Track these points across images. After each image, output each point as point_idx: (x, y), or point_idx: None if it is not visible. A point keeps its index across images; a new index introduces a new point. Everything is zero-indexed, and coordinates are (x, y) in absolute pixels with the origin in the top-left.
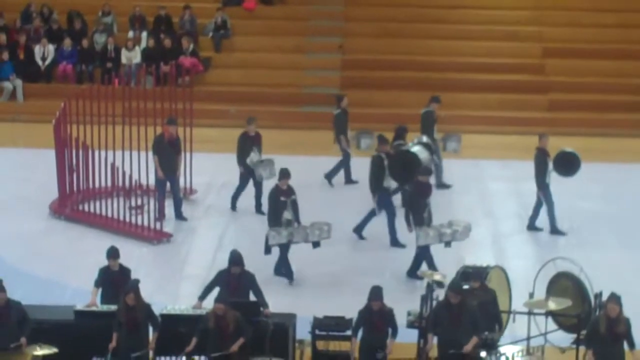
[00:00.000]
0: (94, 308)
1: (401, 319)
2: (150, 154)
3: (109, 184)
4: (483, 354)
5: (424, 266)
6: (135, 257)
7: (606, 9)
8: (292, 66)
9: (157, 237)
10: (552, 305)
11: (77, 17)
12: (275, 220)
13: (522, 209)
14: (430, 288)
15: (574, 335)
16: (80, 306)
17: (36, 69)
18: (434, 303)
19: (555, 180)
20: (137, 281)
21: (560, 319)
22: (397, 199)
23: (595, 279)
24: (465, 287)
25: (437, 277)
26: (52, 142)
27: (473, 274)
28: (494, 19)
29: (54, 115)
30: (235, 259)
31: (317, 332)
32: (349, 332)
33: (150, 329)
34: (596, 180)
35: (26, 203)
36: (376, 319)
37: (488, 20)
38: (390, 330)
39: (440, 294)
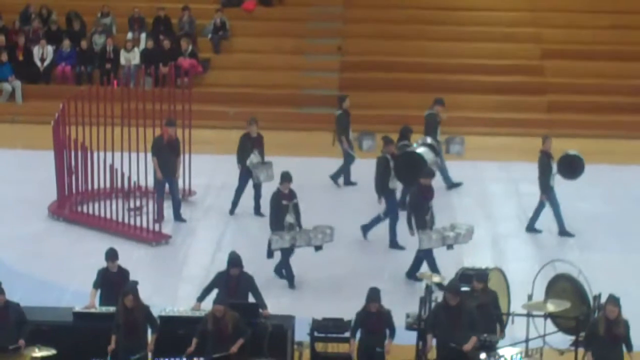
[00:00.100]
0: (92, 310)
1: (400, 321)
2: (149, 155)
3: (108, 185)
4: (482, 355)
5: (423, 268)
6: (134, 258)
7: (604, 10)
8: (291, 67)
9: (156, 238)
10: (551, 307)
11: (76, 18)
12: (277, 224)
13: (521, 211)
14: (429, 290)
15: (573, 337)
16: (78, 308)
17: (35, 70)
18: (433, 305)
19: (555, 182)
20: (135, 283)
21: (559, 320)
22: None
23: (594, 281)
24: (465, 289)
25: (435, 279)
26: (51, 143)
27: (477, 276)
28: (492, 21)
29: (53, 117)
30: (234, 260)
31: (315, 333)
32: (347, 334)
33: (149, 331)
34: (595, 181)
35: (25, 204)
36: (374, 320)
37: (486, 22)
38: (387, 332)
39: (439, 295)
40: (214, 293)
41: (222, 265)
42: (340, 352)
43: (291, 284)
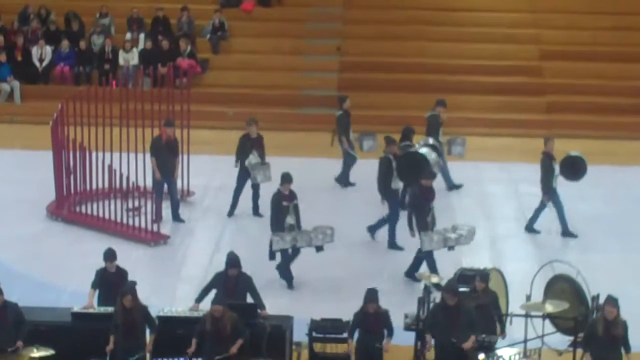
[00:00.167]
0: (91, 310)
1: (398, 322)
2: (148, 155)
3: (107, 185)
4: (481, 356)
5: (423, 268)
6: (133, 259)
7: (603, 11)
8: (290, 68)
9: (155, 239)
10: (550, 307)
11: (75, 18)
12: (278, 225)
13: (520, 212)
14: (427, 290)
15: (571, 338)
16: (77, 308)
17: (34, 70)
18: (431, 305)
19: (557, 183)
20: (134, 283)
21: (558, 321)
22: None
23: (593, 282)
24: (463, 289)
25: (434, 279)
26: (49, 143)
27: (481, 276)
28: (492, 22)
29: (52, 117)
30: (233, 261)
31: (314, 334)
32: (345, 335)
33: (148, 331)
34: (594, 182)
35: (23, 204)
36: (371, 321)
37: (486, 23)
38: (385, 332)
39: (437, 296)
40: (213, 293)
41: (220, 265)
42: (339, 352)
43: (290, 284)
